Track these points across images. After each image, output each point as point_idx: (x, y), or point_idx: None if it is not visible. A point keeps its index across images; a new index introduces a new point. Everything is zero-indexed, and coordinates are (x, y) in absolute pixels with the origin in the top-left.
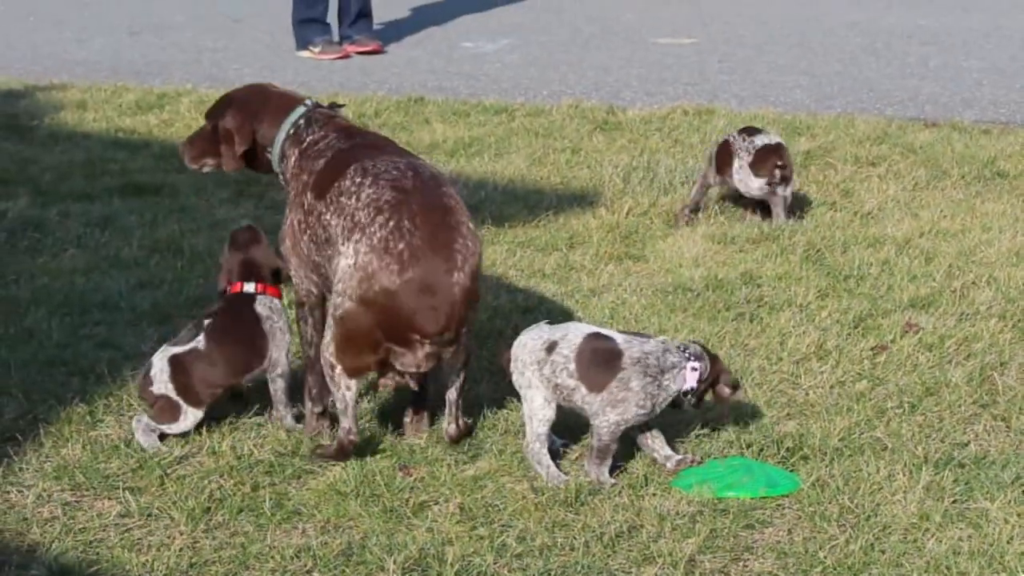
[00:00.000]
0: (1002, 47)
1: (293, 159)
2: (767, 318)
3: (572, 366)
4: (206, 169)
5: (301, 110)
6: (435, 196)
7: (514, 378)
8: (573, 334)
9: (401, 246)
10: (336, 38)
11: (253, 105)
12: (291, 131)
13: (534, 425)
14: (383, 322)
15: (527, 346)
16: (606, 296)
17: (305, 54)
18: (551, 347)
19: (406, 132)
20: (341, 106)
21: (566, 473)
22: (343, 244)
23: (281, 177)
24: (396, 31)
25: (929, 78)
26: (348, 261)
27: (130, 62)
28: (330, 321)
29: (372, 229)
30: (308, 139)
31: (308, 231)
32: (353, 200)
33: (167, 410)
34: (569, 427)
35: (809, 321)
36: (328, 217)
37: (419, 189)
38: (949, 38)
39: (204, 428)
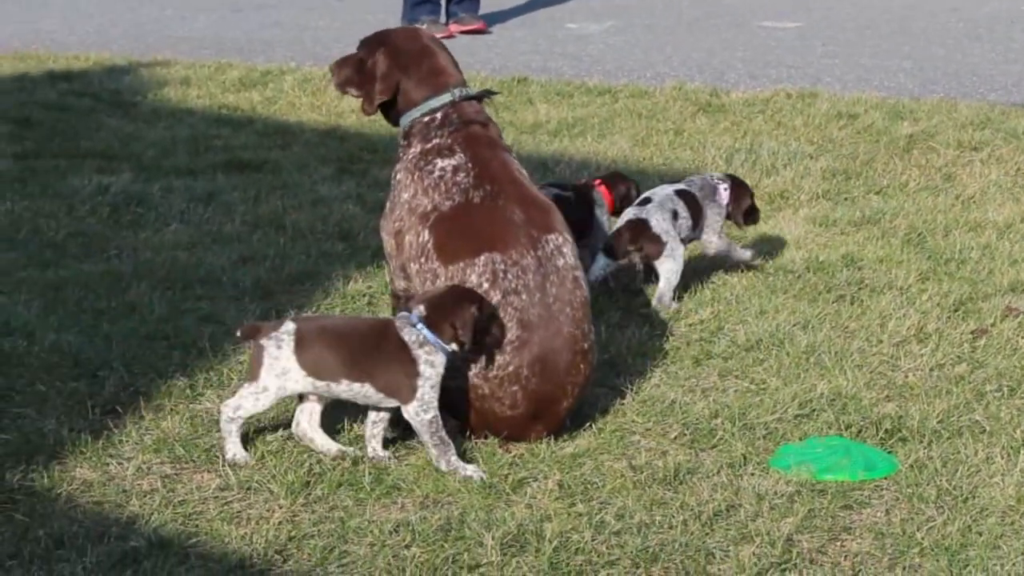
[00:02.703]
0: None
1: (414, 150)
2: (868, 300)
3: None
4: (352, 94)
5: (446, 99)
6: (557, 328)
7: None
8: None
9: (515, 388)
10: (443, 18)
11: (406, 59)
12: (425, 116)
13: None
14: (486, 424)
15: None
16: (708, 276)
17: None
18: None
19: (509, 112)
20: (495, 93)
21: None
22: None
23: (400, 145)
24: (501, 11)
25: None
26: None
27: (233, 39)
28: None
29: (490, 366)
30: (434, 141)
31: (415, 257)
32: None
33: None
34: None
35: (909, 304)
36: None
37: (544, 321)
38: None
39: None
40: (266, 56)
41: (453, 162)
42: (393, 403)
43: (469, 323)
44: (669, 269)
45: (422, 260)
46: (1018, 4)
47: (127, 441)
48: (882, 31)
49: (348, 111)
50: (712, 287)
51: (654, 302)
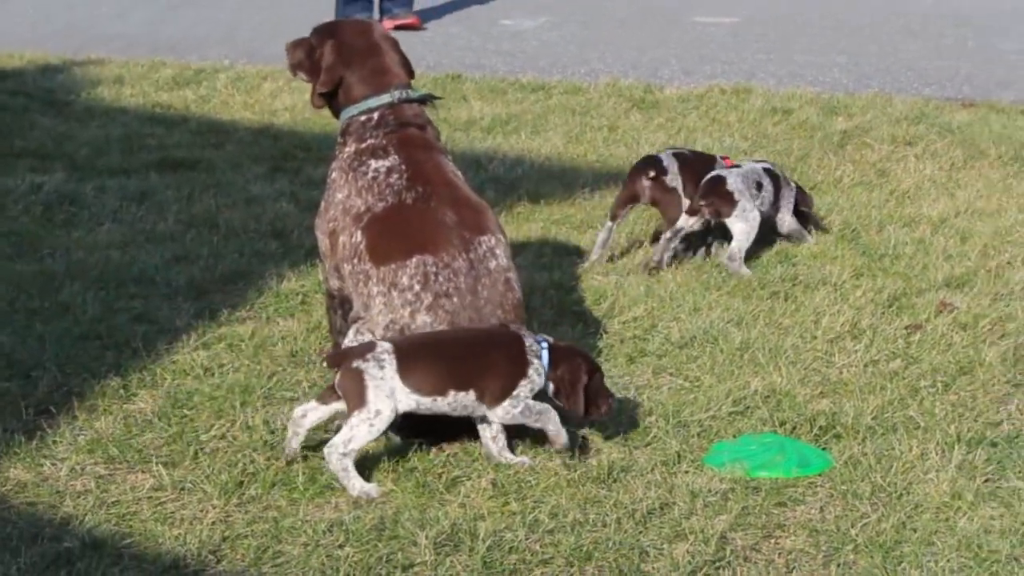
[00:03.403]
0: None
1: (349, 149)
2: (802, 296)
3: None
4: (302, 78)
5: (385, 99)
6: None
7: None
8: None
9: None
10: (376, 14)
11: (352, 54)
12: (362, 115)
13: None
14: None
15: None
16: (642, 274)
17: None
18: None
19: (444, 109)
20: (437, 98)
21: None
22: (383, 331)
23: (336, 143)
24: (435, 7)
25: (966, 58)
26: None
27: (167, 37)
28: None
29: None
30: (368, 142)
31: (348, 258)
32: (407, 313)
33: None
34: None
35: (843, 300)
36: (374, 288)
37: (475, 324)
38: (986, 19)
39: (239, 402)
40: (200, 54)
41: (387, 163)
42: (480, 410)
43: (576, 383)
44: (741, 230)
45: (355, 261)
46: (951, 0)
47: (61, 442)
48: (816, 26)
49: (281, 109)
50: (646, 284)
51: (724, 260)
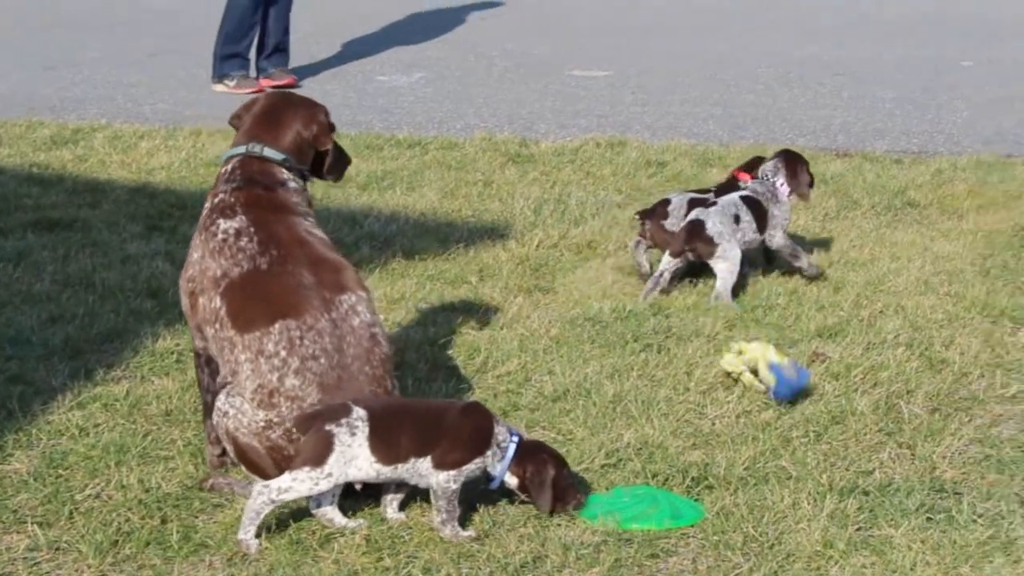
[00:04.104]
0: (914, 78)
1: (207, 205)
2: (675, 349)
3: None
4: None
5: (239, 150)
6: (358, 388)
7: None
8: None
9: None
10: (253, 73)
11: (257, 108)
12: (222, 167)
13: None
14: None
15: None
16: (516, 328)
17: (220, 88)
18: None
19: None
20: (302, 167)
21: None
22: (252, 395)
23: None
24: (311, 64)
25: (842, 108)
26: (258, 418)
27: (45, 97)
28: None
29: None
30: (219, 196)
31: (210, 322)
32: (275, 377)
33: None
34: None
35: (717, 352)
36: (241, 355)
37: (344, 383)
38: (862, 69)
39: (114, 462)
40: (78, 114)
41: (235, 225)
42: (427, 479)
43: (544, 480)
44: (723, 269)
45: (216, 327)
46: (828, 49)
47: None
48: (692, 78)
49: (158, 168)
50: (520, 337)
51: (711, 299)
